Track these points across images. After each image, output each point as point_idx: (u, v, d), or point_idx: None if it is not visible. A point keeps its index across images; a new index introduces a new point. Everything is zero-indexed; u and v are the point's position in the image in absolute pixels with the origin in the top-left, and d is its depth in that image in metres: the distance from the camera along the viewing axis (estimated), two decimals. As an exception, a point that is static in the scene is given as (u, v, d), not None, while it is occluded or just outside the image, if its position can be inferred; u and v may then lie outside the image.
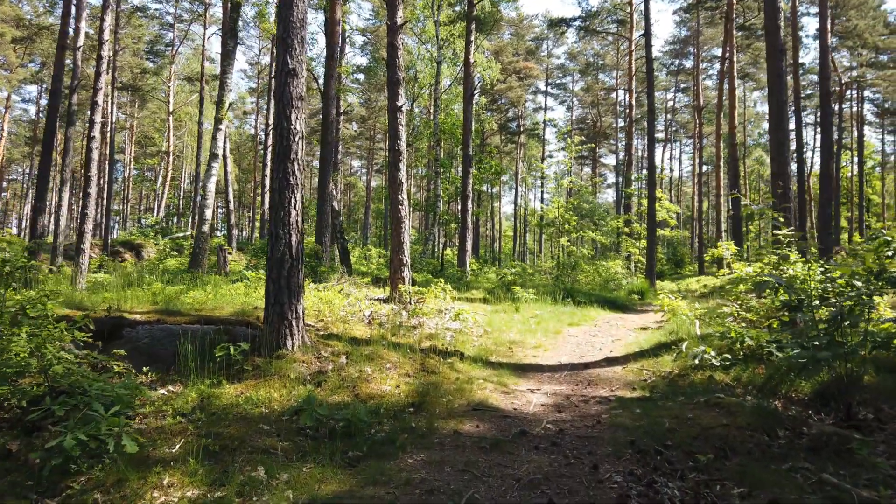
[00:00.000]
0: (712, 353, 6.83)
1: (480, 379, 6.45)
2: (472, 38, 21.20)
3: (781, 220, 9.43)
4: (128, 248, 28.91)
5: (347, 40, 32.70)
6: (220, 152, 14.75)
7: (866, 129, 47.87)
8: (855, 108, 43.37)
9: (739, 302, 9.86)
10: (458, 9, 26.18)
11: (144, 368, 5.81)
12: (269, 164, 32.81)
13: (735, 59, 29.00)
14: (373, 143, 60.84)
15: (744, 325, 9.02)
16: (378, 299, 9.79)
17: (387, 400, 5.46)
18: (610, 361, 7.58)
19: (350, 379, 5.80)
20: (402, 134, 9.60)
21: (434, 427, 4.93)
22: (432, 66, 29.14)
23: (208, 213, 14.62)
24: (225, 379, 5.58)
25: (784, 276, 9.35)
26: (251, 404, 5.10)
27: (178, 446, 4.25)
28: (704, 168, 51.17)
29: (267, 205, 31.44)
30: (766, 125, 60.57)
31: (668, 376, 6.78)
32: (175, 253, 29.53)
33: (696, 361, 6.84)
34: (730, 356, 6.85)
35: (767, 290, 9.26)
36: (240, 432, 4.52)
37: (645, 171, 38.59)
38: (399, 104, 9.58)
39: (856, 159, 42.89)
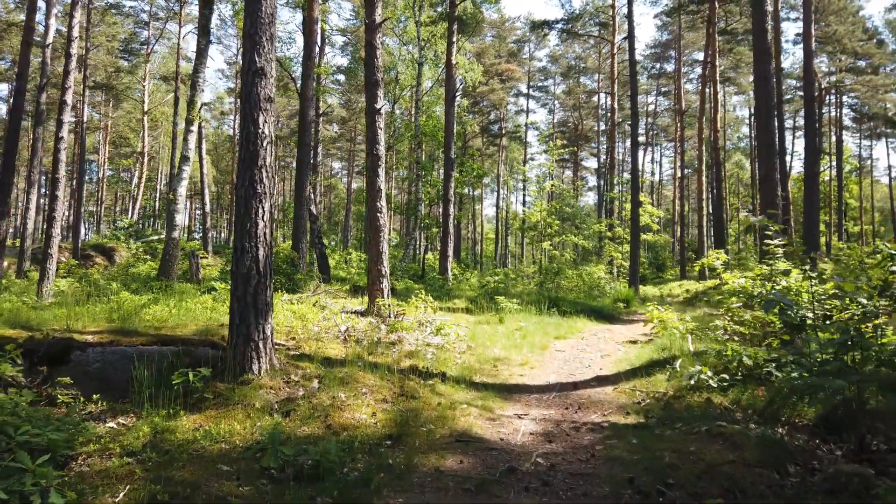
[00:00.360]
0: (709, 374, 6.46)
1: (464, 403, 6.00)
2: (454, 39, 20.79)
3: (773, 229, 9.13)
4: (99, 251, 28.02)
5: (327, 40, 32.15)
6: (191, 155, 14.14)
7: (844, 134, 48.34)
8: (833, 114, 43.78)
9: (730, 314, 9.54)
10: (439, 9, 25.74)
11: (95, 396, 5.27)
12: (246, 166, 32.11)
13: (717, 62, 28.95)
14: (353, 144, 60.20)
15: (736, 339, 8.69)
16: (355, 312, 9.30)
17: (362, 431, 4.98)
18: (600, 381, 7.17)
19: (322, 407, 5.31)
20: (380, 137, 9.13)
21: (413, 464, 4.46)
22: (413, 67, 28.69)
23: (179, 219, 13.99)
24: (183, 409, 5.07)
25: (776, 287, 9.06)
26: (210, 439, 4.59)
27: (121, 495, 3.72)
28: (686, 171, 51.31)
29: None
30: (745, 129, 61.10)
31: (663, 398, 6.39)
32: (148, 257, 28.73)
33: (692, 382, 6.45)
34: (727, 376, 6.48)
35: (758, 305, 8.95)
36: (195, 476, 4.01)
37: (627, 175, 38.54)
38: (377, 106, 9.10)
39: (834, 164, 43.33)
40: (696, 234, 52.67)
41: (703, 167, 32.58)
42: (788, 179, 53.49)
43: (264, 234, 5.88)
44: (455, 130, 33.48)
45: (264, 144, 5.97)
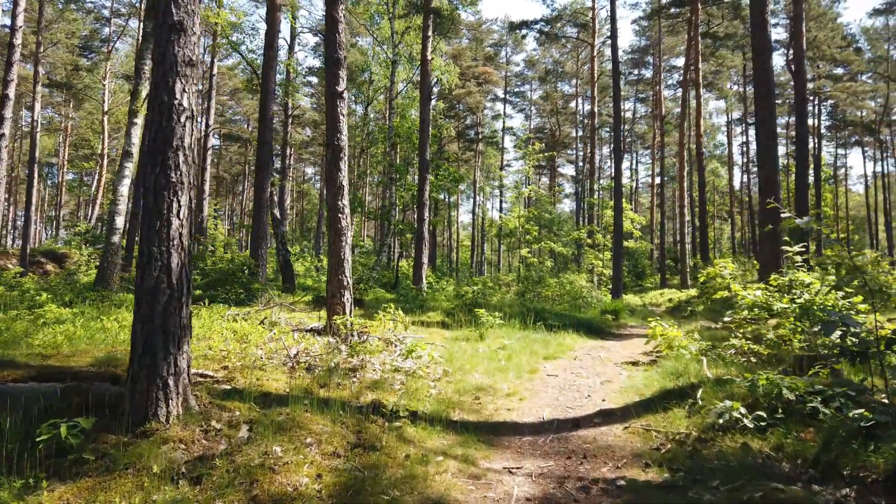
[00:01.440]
0: (742, 411, 5.22)
1: (440, 454, 4.66)
2: (430, 35, 19.55)
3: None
4: (51, 258, 26.10)
5: (298, 38, 30.68)
6: (134, 150, 12.61)
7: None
8: (812, 122, 43.56)
9: (742, 331, 8.38)
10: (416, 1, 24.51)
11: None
12: (207, 167, 30.43)
13: (700, 65, 28.20)
14: (326, 148, 58.51)
15: (753, 360, 7.53)
16: (312, 330, 7.90)
17: (299, 506, 3.62)
18: (605, 416, 5.89)
19: (248, 468, 3.93)
20: (342, 125, 7.81)
21: (367, 562, 3.12)
22: (387, 66, 27.39)
23: (119, 222, 12.43)
24: (50, 476, 3.65)
25: (798, 300, 7.90)
26: (74, 529, 3.19)
27: None
28: (664, 178, 50.80)
29: (206, 211, 29.00)
30: (721, 137, 61.02)
31: (687, 441, 5.13)
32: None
33: (721, 421, 5.22)
34: (763, 413, 5.26)
35: (789, 322, 7.80)
36: None
37: (604, 182, 37.74)
38: (339, 89, 7.78)
39: (811, 171, 43.08)
40: (672, 241, 52.14)
41: (684, 173, 31.81)
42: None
43: (179, 235, 4.50)
44: (430, 132, 32.26)
45: (182, 120, 4.60)
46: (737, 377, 6.14)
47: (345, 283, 7.74)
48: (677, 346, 8.02)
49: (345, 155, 7.81)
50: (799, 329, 7.68)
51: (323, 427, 4.70)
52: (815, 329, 7.46)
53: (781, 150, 59.83)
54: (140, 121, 12.61)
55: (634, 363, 8.36)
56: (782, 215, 4.86)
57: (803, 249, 8.46)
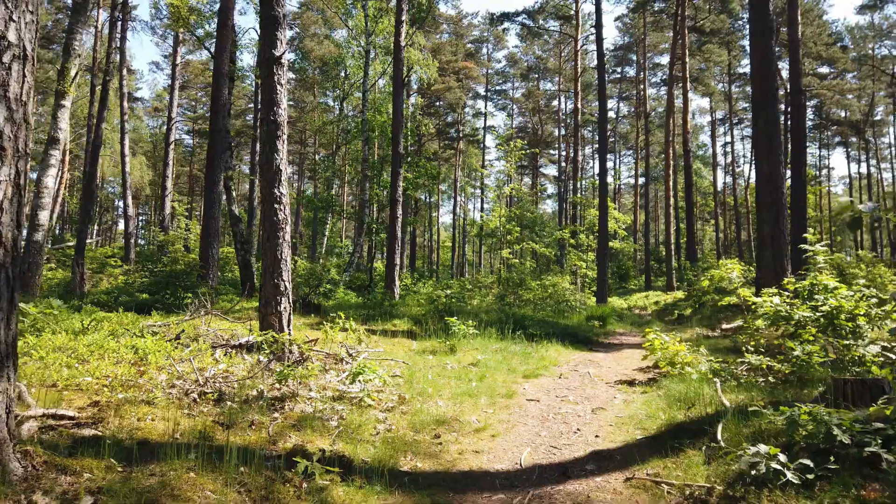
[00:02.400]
0: (781, 458, 3.95)
1: (374, 532, 3.33)
2: (403, 20, 18.20)
3: (817, 237, 6.70)
4: None
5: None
6: (61, 136, 11.11)
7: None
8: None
9: (752, 343, 7.16)
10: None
11: None
12: (169, 162, 28.79)
13: (687, 58, 27.18)
14: (303, 146, 56.92)
15: (771, 379, 6.30)
16: (242, 345, 6.51)
17: None
18: (601, 460, 4.59)
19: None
20: (281, 97, 6.45)
21: None
22: (361, 58, 26.00)
23: (43, 217, 10.93)
24: None
25: (822, 308, 6.69)
26: None
27: None
28: (646, 178, 50.00)
29: (168, 209, 27.32)
30: (703, 137, 60.43)
31: (709, 501, 3.86)
32: (53, 265, 25.19)
33: (754, 472, 3.95)
34: (809, 462, 4.01)
35: (805, 331, 6.58)
36: None
37: (588, 181, 36.70)
38: (277, 53, 6.41)
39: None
40: (654, 243, 51.45)
41: (670, 171, 30.80)
42: (747, 188, 52.88)
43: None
44: (408, 126, 30.89)
45: (5, 59, 3.22)
46: (763, 406, 4.88)
47: (282, 289, 6.36)
48: (681, 362, 6.77)
49: (283, 133, 6.45)
50: (821, 342, 6.49)
51: (211, 494, 3.33)
52: (848, 342, 6.26)
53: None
54: (68, 103, 11.13)
55: (630, 382, 7.07)
56: (840, 200, 3.67)
57: (825, 248, 7.25)
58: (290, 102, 54.26)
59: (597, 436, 5.09)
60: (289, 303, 6.46)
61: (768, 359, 6.30)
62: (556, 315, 14.19)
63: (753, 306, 7.04)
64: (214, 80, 13.99)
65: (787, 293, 7.40)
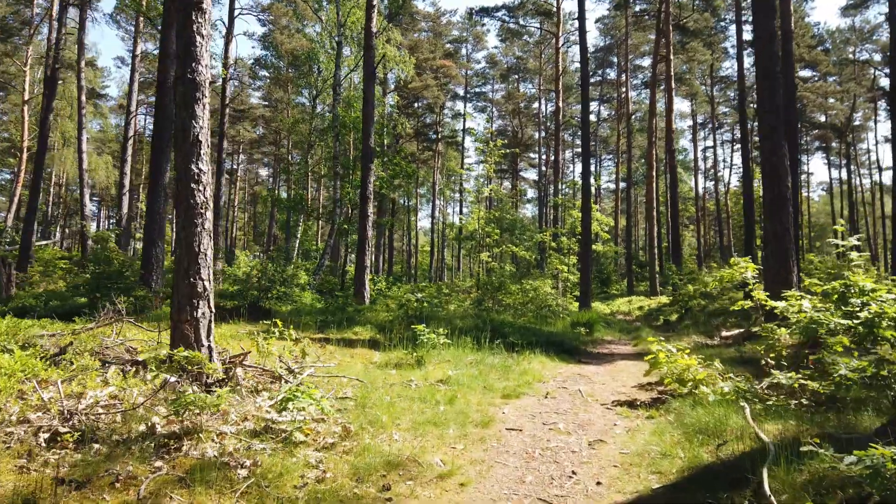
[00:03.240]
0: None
1: None
2: (375, 3, 16.97)
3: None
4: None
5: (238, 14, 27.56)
6: None
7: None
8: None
9: (771, 356, 6.04)
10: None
11: None
12: (128, 158, 27.20)
13: (672, 55, 26.33)
14: (277, 147, 55.33)
15: (804, 401, 5.16)
16: (141, 363, 5.15)
17: None
18: (607, 524, 3.37)
19: None
20: (201, 51, 5.17)
21: None
22: (333, 50, 24.68)
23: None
24: None
25: (860, 314, 5.58)
26: None
27: None
28: (628, 180, 49.28)
29: (126, 208, 25.66)
30: (683, 142, 59.98)
31: None
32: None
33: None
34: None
35: (835, 340, 5.45)
36: None
37: (570, 182, 35.75)
38: (197, -5, 5.13)
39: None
40: (634, 248, 50.85)
41: (654, 173, 29.91)
42: (727, 193, 52.52)
43: None
44: (384, 124, 29.62)
45: None
46: (818, 444, 3.69)
47: (200, 290, 5.05)
48: (692, 379, 5.59)
49: (203, 96, 5.17)
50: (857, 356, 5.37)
51: None
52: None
53: (737, 157, 59.25)
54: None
55: (631, 403, 5.87)
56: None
57: (858, 244, 6.16)
58: (265, 103, 52.71)
59: (598, 482, 3.87)
60: (209, 307, 5.15)
61: (800, 376, 5.15)
62: (538, 321, 12.99)
63: (779, 311, 5.91)
64: (160, 56, 12.60)
65: (811, 296, 6.29)
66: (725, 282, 6.96)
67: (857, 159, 49.74)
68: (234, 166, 59.09)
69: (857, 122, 46.04)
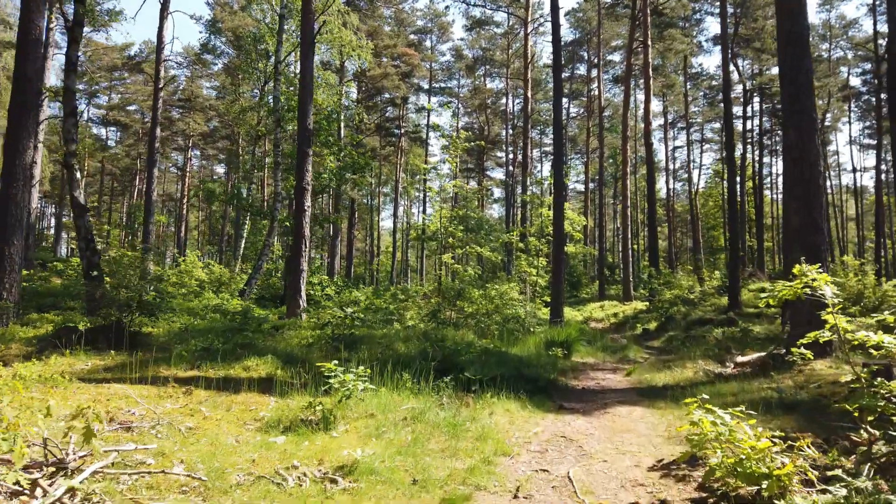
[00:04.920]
0: None
1: None
2: (316, -39, 14.40)
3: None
4: None
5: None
6: None
7: (748, 149, 45.86)
8: (748, 124, 41.17)
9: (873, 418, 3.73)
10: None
11: None
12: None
13: (650, 40, 24.31)
14: (231, 142, 51.93)
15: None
16: None
17: None
18: None
19: None
20: None
21: None
22: (275, 24, 21.97)
23: None
24: None
25: None
26: None
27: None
28: (600, 179, 47.48)
29: (36, 203, 22.41)
30: (653, 141, 58.59)
31: None
32: None
33: None
34: None
35: None
36: None
37: (538, 178, 33.61)
38: None
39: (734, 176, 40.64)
40: (599, 250, 49.30)
41: (627, 169, 27.92)
42: (697, 194, 51.19)
43: None
44: (337, 112, 26.92)
45: None
46: None
47: None
48: (768, 473, 3.22)
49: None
50: None
51: None
52: None
53: (714, 155, 58.15)
54: None
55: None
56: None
57: None
58: (216, 93, 49.27)
59: None
60: None
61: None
62: (504, 340, 10.54)
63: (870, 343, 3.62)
64: (23, 9, 9.80)
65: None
66: (783, 298, 4.72)
67: (826, 161, 48.91)
68: (186, 161, 55.45)
69: (827, 123, 45.11)
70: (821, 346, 6.65)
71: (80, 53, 13.63)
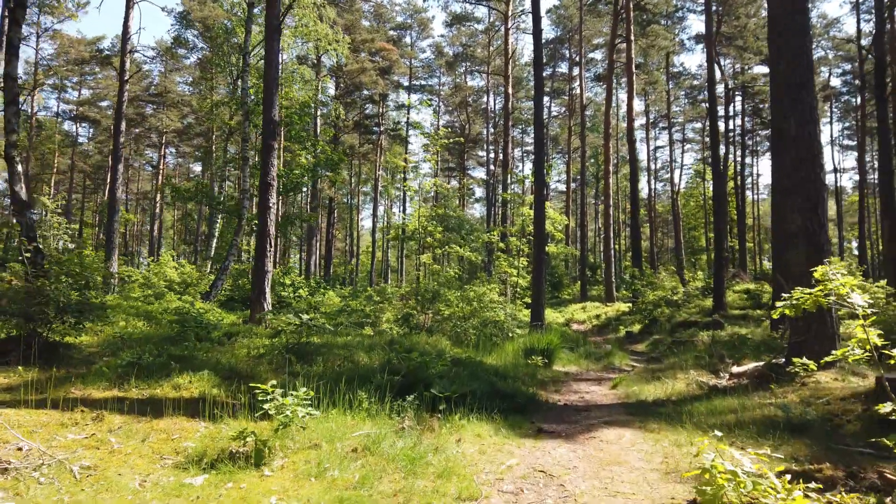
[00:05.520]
0: None
1: None
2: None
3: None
4: None
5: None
6: None
7: (730, 149, 45.59)
8: (729, 123, 40.89)
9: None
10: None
11: None
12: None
13: (632, 35, 23.72)
14: (206, 139, 50.51)
15: None
16: None
17: None
18: None
19: None
20: None
21: None
22: (244, 13, 20.97)
23: None
24: None
25: None
26: None
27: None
28: (582, 178, 47.02)
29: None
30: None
31: None
32: None
33: None
34: None
35: None
36: None
37: (520, 176, 32.85)
38: None
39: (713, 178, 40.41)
40: (581, 250, 48.89)
41: (610, 167, 27.34)
42: (678, 194, 50.94)
43: None
44: (311, 106, 25.99)
45: None
46: None
47: None
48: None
49: None
50: None
51: None
52: None
53: (695, 155, 58.04)
54: None
55: None
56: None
57: None
58: (192, 90, 47.86)
59: None
60: None
61: None
62: (480, 347, 9.78)
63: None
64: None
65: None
66: (801, 307, 4.02)
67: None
68: (160, 158, 53.94)
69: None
70: (822, 355, 6.00)
71: (22, 37, 12.65)
